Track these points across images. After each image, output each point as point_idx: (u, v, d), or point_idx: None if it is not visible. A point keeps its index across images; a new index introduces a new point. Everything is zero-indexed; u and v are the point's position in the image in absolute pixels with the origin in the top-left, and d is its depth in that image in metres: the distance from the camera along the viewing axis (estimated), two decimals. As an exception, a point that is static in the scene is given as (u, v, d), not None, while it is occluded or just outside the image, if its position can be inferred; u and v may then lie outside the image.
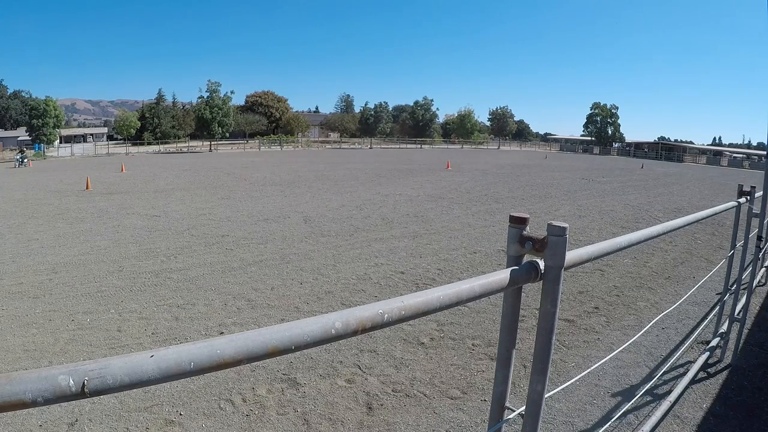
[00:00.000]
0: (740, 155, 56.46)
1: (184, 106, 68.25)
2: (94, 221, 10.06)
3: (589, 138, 74.21)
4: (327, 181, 19.29)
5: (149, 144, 54.29)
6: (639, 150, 65.25)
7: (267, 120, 68.70)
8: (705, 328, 4.54)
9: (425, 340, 4.36)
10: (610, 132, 71.18)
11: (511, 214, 1.24)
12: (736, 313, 3.89)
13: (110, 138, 65.00)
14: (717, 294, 5.61)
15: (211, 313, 4.99)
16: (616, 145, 71.49)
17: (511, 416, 1.32)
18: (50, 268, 6.54)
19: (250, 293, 5.60)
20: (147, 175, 21.52)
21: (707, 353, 3.75)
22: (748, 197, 3.67)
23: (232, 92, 53.67)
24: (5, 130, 64.64)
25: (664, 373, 3.47)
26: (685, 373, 3.52)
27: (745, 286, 4.82)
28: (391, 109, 75.95)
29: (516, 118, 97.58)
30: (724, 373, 3.77)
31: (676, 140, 74.39)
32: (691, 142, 77.65)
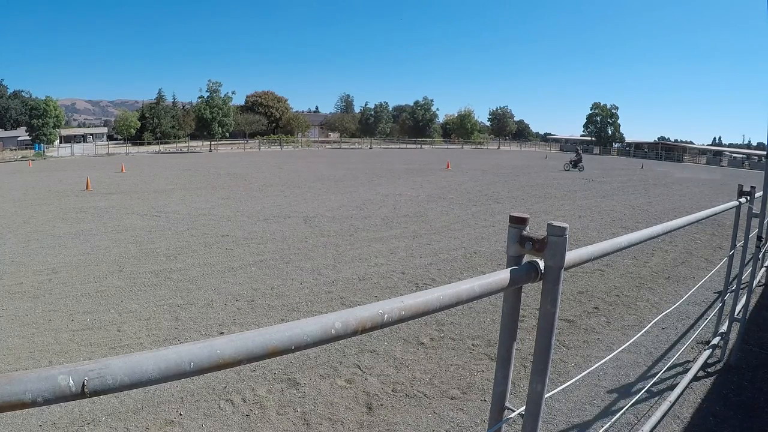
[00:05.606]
0: (740, 155, 56.42)
1: (184, 106, 68.33)
2: (94, 221, 10.06)
3: (589, 138, 74.13)
4: (327, 181, 19.29)
5: (149, 144, 54.33)
6: (639, 150, 65.24)
7: (267, 120, 68.77)
8: (705, 327, 4.53)
9: (425, 340, 4.36)
10: (610, 132, 71.09)
11: (511, 214, 1.24)
12: (736, 313, 3.89)
13: (110, 138, 65.10)
14: (716, 294, 5.61)
15: (211, 313, 4.99)
16: (616, 145, 71.45)
17: (511, 416, 1.32)
18: (50, 268, 6.54)
19: (250, 293, 5.60)
20: (147, 175, 21.52)
21: (707, 353, 3.75)
22: (748, 197, 3.68)
23: (232, 92, 53.81)
24: (5, 130, 64.67)
25: (664, 372, 3.46)
26: (685, 373, 3.52)
27: (745, 285, 4.83)
28: (391, 109, 75.87)
29: (516, 118, 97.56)
30: (724, 373, 3.77)
31: (676, 140, 74.39)
32: (691, 142, 77.68)
